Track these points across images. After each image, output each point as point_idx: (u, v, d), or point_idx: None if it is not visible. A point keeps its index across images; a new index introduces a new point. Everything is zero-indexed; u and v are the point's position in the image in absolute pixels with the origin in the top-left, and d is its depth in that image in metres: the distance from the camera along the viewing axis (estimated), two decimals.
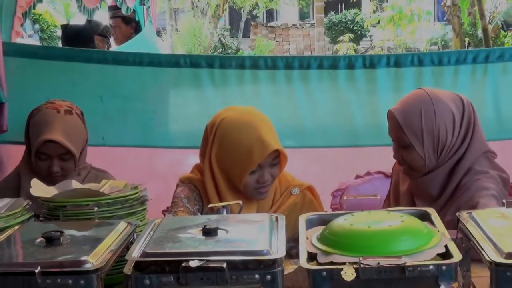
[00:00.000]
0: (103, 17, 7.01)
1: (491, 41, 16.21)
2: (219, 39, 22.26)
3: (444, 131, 2.60)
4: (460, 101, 2.67)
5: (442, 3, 13.18)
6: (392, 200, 2.87)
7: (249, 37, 24.08)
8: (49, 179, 2.83)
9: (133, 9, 7.02)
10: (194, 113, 3.83)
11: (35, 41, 16.12)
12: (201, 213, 2.65)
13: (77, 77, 3.74)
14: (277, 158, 2.65)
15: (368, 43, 22.31)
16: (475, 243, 1.67)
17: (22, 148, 3.11)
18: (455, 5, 12.23)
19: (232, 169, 2.64)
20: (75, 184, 2.36)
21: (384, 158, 3.09)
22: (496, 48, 5.17)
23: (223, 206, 2.08)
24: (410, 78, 3.73)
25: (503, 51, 3.79)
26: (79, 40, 5.71)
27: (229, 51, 21.56)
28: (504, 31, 17.94)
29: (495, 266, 1.53)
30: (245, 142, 2.60)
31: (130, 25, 6.75)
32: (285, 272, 1.94)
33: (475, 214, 1.83)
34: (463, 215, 1.85)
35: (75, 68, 3.73)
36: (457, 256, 1.59)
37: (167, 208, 2.79)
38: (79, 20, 6.27)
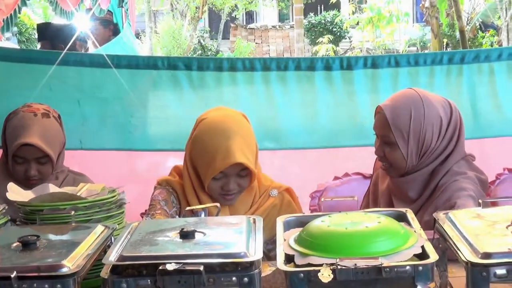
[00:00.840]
0: (82, 19, 6.98)
1: (469, 42, 16.31)
2: (199, 41, 22.23)
3: (430, 135, 2.61)
4: (448, 106, 2.69)
5: (421, 5, 13.22)
6: (371, 198, 2.89)
7: (229, 38, 24.07)
8: (26, 183, 2.80)
9: (111, 11, 7.01)
10: (172, 115, 3.84)
11: (13, 44, 16.00)
12: (179, 216, 2.65)
13: (54, 80, 3.71)
14: (245, 170, 2.63)
15: (347, 44, 22.35)
16: (452, 243, 1.68)
17: None
18: (433, 6, 12.27)
19: (200, 170, 2.66)
20: (52, 188, 2.34)
21: (363, 158, 3.12)
22: (472, 49, 5.23)
23: (202, 209, 2.07)
24: (386, 79, 3.77)
25: (478, 52, 3.85)
26: (57, 39, 5.69)
27: (209, 53, 21.55)
28: (482, 32, 18.05)
29: (471, 266, 1.54)
30: (212, 148, 2.60)
31: (108, 27, 6.75)
32: (263, 274, 1.95)
33: (451, 214, 1.84)
34: (440, 215, 1.85)
35: (52, 71, 3.71)
36: (433, 256, 1.59)
37: (146, 210, 2.79)
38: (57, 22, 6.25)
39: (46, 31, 5.92)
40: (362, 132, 3.58)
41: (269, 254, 2.49)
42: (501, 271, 1.53)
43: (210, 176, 2.60)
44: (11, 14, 4.23)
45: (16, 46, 14.77)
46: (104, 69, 3.75)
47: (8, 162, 2.93)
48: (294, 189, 2.88)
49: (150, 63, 3.84)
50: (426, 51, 15.48)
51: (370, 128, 2.76)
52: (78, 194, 2.29)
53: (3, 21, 4.16)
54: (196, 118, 2.75)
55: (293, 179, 3.36)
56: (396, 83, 3.70)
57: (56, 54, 3.81)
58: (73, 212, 2.06)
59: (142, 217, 2.87)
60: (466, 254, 1.58)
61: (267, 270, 2.05)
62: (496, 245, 1.58)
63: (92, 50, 6.31)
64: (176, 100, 3.88)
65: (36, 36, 6.11)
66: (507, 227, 1.68)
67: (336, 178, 3.27)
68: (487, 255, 1.54)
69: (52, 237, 1.88)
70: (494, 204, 2.00)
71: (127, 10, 7.51)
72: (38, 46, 6.20)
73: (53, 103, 3.13)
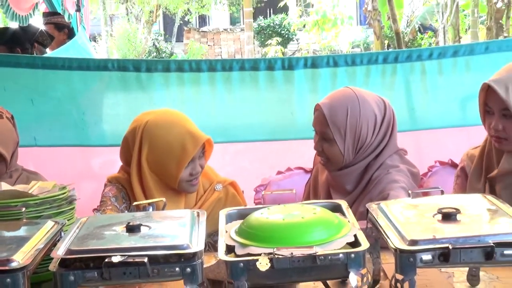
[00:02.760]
0: (37, 23, 6.89)
1: (409, 43, 16.51)
2: (153, 44, 22.09)
3: (365, 131, 2.64)
4: (383, 104, 2.72)
5: (364, 8, 13.35)
6: (312, 190, 2.92)
7: (183, 41, 23.96)
8: None
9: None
10: (123, 113, 3.81)
11: None
12: (129, 211, 2.64)
13: (8, 82, 3.68)
14: (203, 148, 2.70)
15: (295, 46, 22.41)
16: (382, 231, 1.71)
17: None
18: (375, 9, 12.41)
19: (166, 167, 2.65)
20: (4, 186, 2.30)
21: (302, 151, 3.17)
22: (405, 49, 5.31)
23: (149, 204, 2.07)
24: (326, 78, 3.80)
25: (411, 52, 3.91)
26: (15, 42, 5.61)
27: (163, 55, 21.43)
28: (421, 34, 18.31)
29: (399, 253, 1.57)
30: (177, 139, 2.62)
31: (63, 31, 6.66)
32: (208, 264, 1.96)
33: (383, 205, 1.86)
34: (372, 206, 1.88)
35: (6, 73, 3.67)
36: (365, 244, 1.61)
37: (98, 206, 2.77)
38: (15, 26, 6.14)
39: (4, 35, 5.82)
40: (302, 126, 3.63)
41: (215, 245, 2.49)
42: (427, 256, 1.55)
43: (183, 165, 2.62)
44: None
45: None
46: (57, 71, 3.72)
47: None
48: (241, 183, 2.90)
49: (101, 65, 3.82)
50: (362, 52, 15.65)
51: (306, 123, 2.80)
52: (30, 191, 2.26)
53: None
54: (126, 133, 2.75)
55: (241, 172, 3.39)
56: (334, 82, 3.75)
57: (9, 57, 3.76)
58: (24, 209, 2.03)
59: (94, 213, 2.85)
60: (395, 242, 1.60)
61: (212, 260, 2.05)
62: (423, 233, 1.60)
63: (48, 52, 6.23)
64: (126, 100, 3.88)
65: None
66: (433, 216, 1.71)
67: (279, 172, 3.30)
68: (414, 242, 1.57)
69: (2, 233, 1.85)
70: (425, 194, 2.03)
71: (81, 14, 7.44)
72: None
73: (7, 103, 3.09)
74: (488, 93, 2.46)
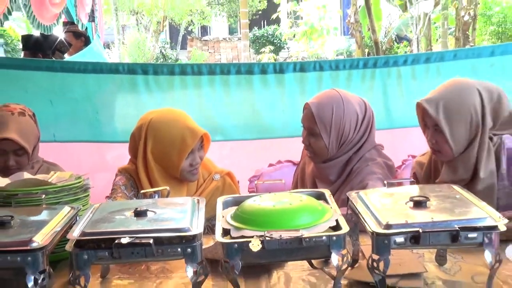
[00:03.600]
0: (59, 32, 6.88)
1: (386, 52, 16.51)
2: (160, 51, 22.06)
3: (348, 128, 2.64)
4: (363, 104, 2.72)
5: (347, 20, 13.35)
6: (299, 180, 2.92)
7: (186, 49, 23.94)
8: (6, 172, 2.74)
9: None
10: (132, 113, 3.79)
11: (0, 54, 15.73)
12: (136, 198, 2.63)
13: (29, 84, 3.65)
14: (202, 142, 2.69)
15: (286, 54, 22.39)
16: (361, 217, 1.71)
17: None
18: (357, 21, 12.42)
19: (169, 158, 2.64)
20: (26, 175, 2.30)
21: (292, 147, 3.15)
22: (382, 56, 5.30)
23: (155, 192, 2.06)
24: (312, 81, 3.79)
25: (388, 58, 3.90)
26: (37, 48, 5.61)
27: (169, 61, 21.41)
28: (398, 43, 18.31)
29: (375, 236, 1.57)
30: (178, 133, 2.62)
31: (80, 39, 6.65)
32: (207, 246, 1.96)
33: (361, 193, 1.86)
34: (352, 194, 1.88)
35: (28, 76, 3.65)
36: (345, 228, 1.61)
37: (110, 194, 2.76)
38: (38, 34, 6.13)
39: (28, 42, 5.82)
40: (291, 125, 3.63)
41: (213, 229, 2.49)
42: (400, 239, 1.56)
43: (184, 156, 2.62)
44: None
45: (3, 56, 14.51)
46: (73, 74, 3.71)
47: None
48: (237, 174, 2.89)
49: (113, 69, 3.80)
50: (344, 58, 15.62)
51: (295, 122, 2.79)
52: (49, 180, 2.26)
53: None
54: (133, 130, 2.74)
55: (238, 166, 3.38)
56: (320, 85, 3.74)
57: (30, 61, 3.74)
58: (44, 196, 2.04)
59: (106, 199, 2.84)
60: (372, 226, 1.61)
61: (210, 242, 2.05)
62: (396, 218, 1.61)
63: (66, 58, 6.21)
64: (135, 100, 3.86)
65: (20, 47, 5.99)
66: (406, 203, 1.71)
67: (270, 165, 3.30)
68: (388, 226, 1.57)
69: (25, 217, 1.84)
70: (399, 184, 2.03)
71: (96, 24, 7.43)
72: (22, 55, 6.09)
73: (28, 103, 3.07)
74: (423, 109, 2.47)
